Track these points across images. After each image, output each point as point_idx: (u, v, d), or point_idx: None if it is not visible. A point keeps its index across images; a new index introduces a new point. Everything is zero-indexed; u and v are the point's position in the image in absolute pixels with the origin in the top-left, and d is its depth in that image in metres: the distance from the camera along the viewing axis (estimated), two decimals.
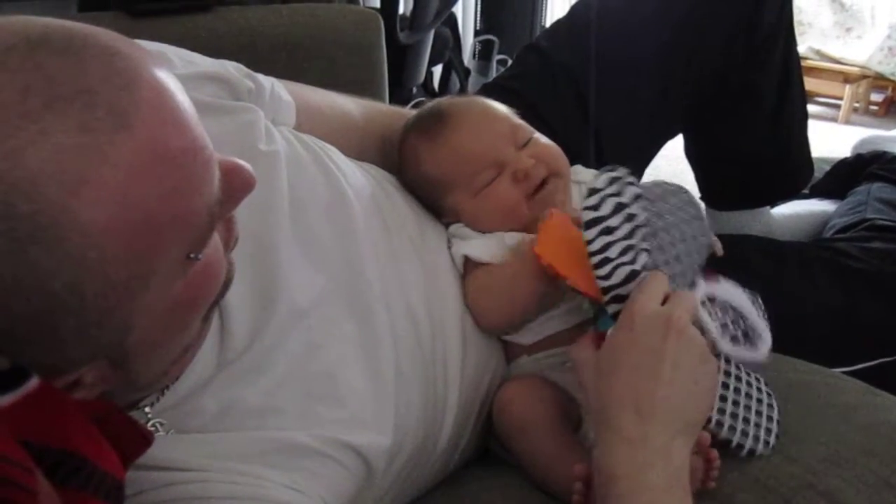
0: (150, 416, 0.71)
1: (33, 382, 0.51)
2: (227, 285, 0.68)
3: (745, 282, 0.90)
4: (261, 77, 0.97)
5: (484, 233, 1.02)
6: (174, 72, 0.59)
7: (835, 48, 3.97)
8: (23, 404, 0.50)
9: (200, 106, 0.59)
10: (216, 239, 0.63)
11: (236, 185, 0.61)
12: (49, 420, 0.52)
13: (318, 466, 0.76)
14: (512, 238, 1.00)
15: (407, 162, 1.07)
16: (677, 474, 0.72)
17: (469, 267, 1.00)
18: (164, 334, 0.62)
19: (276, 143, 0.90)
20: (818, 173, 1.78)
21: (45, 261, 0.50)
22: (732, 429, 0.84)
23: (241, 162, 0.62)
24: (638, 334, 0.75)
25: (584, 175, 1.10)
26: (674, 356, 0.74)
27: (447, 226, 1.05)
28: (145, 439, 0.59)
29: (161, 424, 0.71)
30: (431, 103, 1.11)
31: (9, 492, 0.46)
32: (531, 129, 1.06)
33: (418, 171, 1.05)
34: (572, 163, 1.09)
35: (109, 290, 0.53)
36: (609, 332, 0.79)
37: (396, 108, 1.21)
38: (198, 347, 0.72)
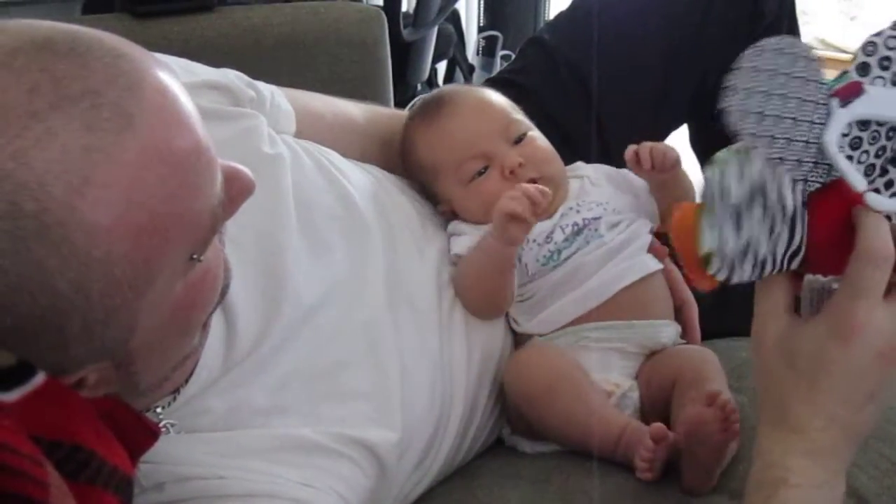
0: (161, 416, 0.72)
1: (39, 378, 0.52)
2: (224, 290, 0.68)
3: None
4: (261, 85, 0.97)
5: (478, 224, 1.01)
6: None
7: (838, 37, 3.95)
8: (30, 400, 0.51)
9: (203, 112, 0.59)
10: (216, 243, 0.63)
11: (236, 189, 0.62)
12: (56, 415, 0.52)
13: (329, 463, 0.77)
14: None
15: (405, 146, 1.07)
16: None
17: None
18: (167, 337, 0.62)
19: (279, 146, 0.90)
20: None
21: (50, 260, 0.50)
22: None
23: (241, 167, 0.62)
24: (853, 355, 0.62)
25: (585, 170, 1.08)
26: (876, 387, 0.63)
27: (443, 214, 1.05)
28: (153, 433, 0.59)
29: (172, 425, 0.72)
30: (437, 90, 1.11)
31: (21, 483, 0.46)
32: (530, 125, 1.05)
33: (413, 156, 1.06)
34: (577, 153, 1.09)
35: (115, 289, 0.53)
36: (812, 327, 0.64)
37: (399, 112, 1.22)
38: (199, 352, 0.73)
